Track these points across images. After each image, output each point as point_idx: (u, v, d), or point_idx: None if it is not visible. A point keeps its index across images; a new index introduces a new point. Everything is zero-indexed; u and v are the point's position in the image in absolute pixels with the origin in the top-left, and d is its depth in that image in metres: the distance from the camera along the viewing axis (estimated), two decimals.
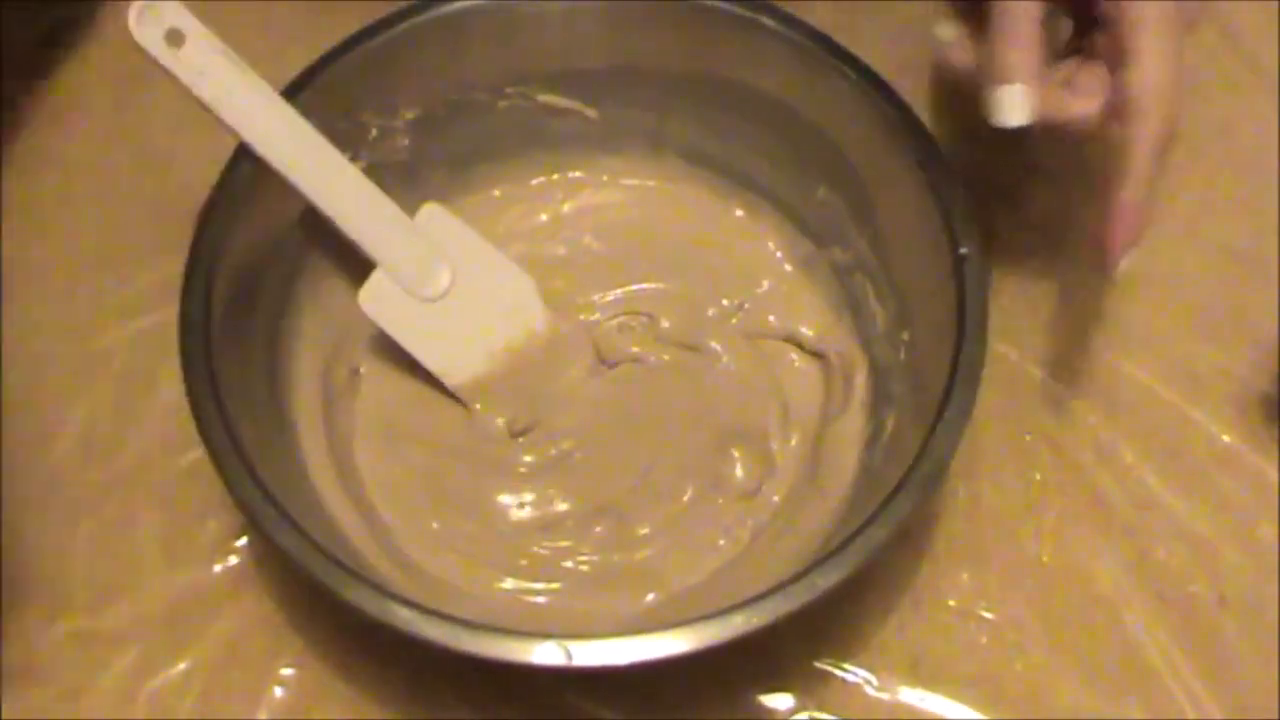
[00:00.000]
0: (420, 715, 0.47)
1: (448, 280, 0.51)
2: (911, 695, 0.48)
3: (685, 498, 0.50)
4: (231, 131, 0.47)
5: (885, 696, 0.48)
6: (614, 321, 0.55)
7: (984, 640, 0.49)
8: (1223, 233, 0.58)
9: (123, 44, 0.61)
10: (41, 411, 0.53)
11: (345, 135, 0.50)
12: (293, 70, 0.50)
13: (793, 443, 0.51)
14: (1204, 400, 0.53)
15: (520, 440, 0.52)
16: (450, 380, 0.52)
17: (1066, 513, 0.51)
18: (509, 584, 0.48)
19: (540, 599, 0.48)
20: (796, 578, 0.41)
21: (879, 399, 0.51)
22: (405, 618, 0.41)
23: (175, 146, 0.60)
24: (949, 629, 0.49)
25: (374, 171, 0.50)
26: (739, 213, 0.56)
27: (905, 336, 0.50)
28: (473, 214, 0.54)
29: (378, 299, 0.51)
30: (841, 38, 0.51)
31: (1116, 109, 0.45)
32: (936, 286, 0.47)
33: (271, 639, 0.49)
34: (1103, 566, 0.50)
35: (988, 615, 0.49)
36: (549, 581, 0.49)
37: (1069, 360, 0.54)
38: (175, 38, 0.45)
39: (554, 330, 0.53)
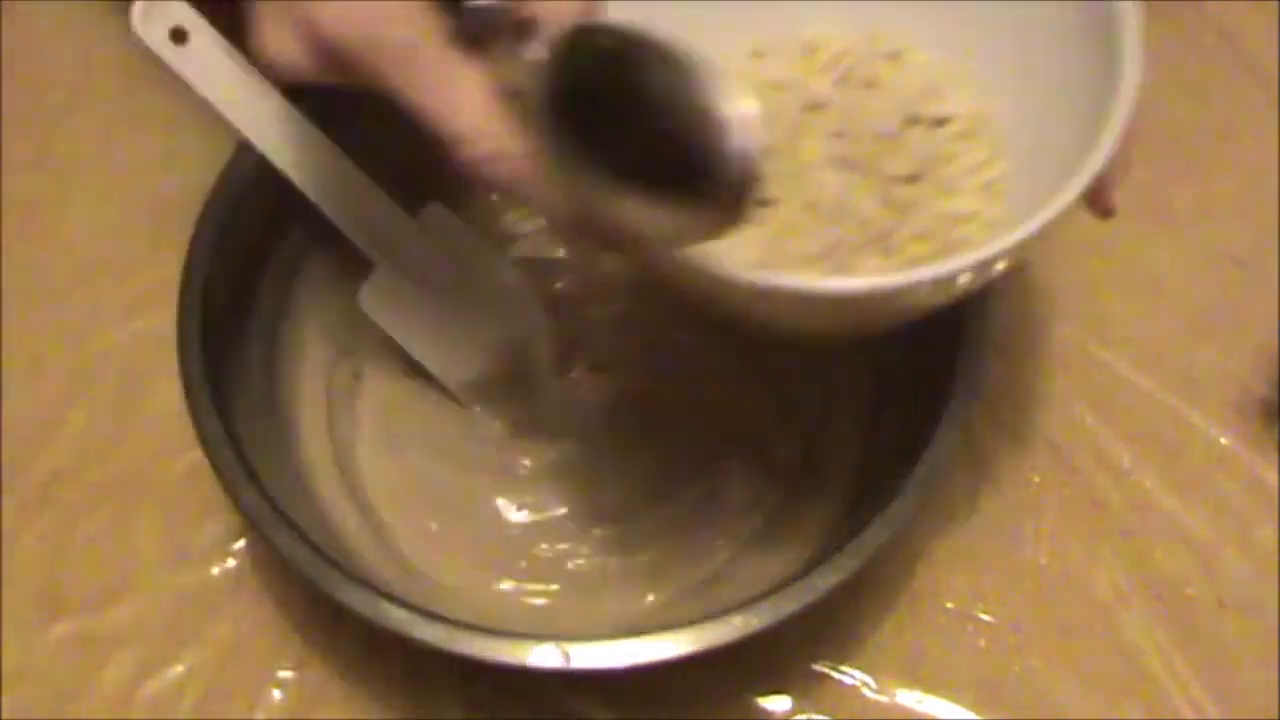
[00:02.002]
0: (418, 717, 0.47)
1: (448, 280, 0.52)
2: (909, 697, 0.48)
3: (684, 499, 0.50)
4: (234, 129, 0.47)
5: (883, 699, 0.48)
6: (613, 325, 0.55)
7: (982, 643, 0.49)
8: (1222, 236, 0.58)
9: (122, 46, 0.62)
10: (40, 413, 0.54)
11: (344, 137, 0.50)
12: None
13: (792, 445, 0.51)
14: (1203, 403, 0.53)
15: (519, 442, 0.52)
16: (450, 381, 0.52)
17: (1065, 515, 0.51)
18: (508, 585, 0.48)
19: (539, 600, 0.48)
20: (795, 580, 0.42)
21: (878, 401, 0.51)
22: (402, 620, 0.41)
23: (174, 148, 0.60)
24: (947, 631, 0.49)
25: (372, 174, 0.50)
26: None
27: (903, 340, 0.50)
28: (471, 217, 0.54)
29: (378, 299, 0.51)
30: None
31: None
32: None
33: (270, 641, 0.49)
34: (1101, 569, 0.50)
35: (986, 618, 0.49)
36: (548, 583, 0.49)
37: (1067, 363, 0.54)
38: (179, 35, 0.45)
39: (554, 332, 0.53)
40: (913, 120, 0.44)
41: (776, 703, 0.48)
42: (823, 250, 0.41)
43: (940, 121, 0.44)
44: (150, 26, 0.45)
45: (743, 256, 0.41)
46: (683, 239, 0.34)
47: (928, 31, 0.45)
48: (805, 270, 0.41)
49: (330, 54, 0.37)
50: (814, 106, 0.44)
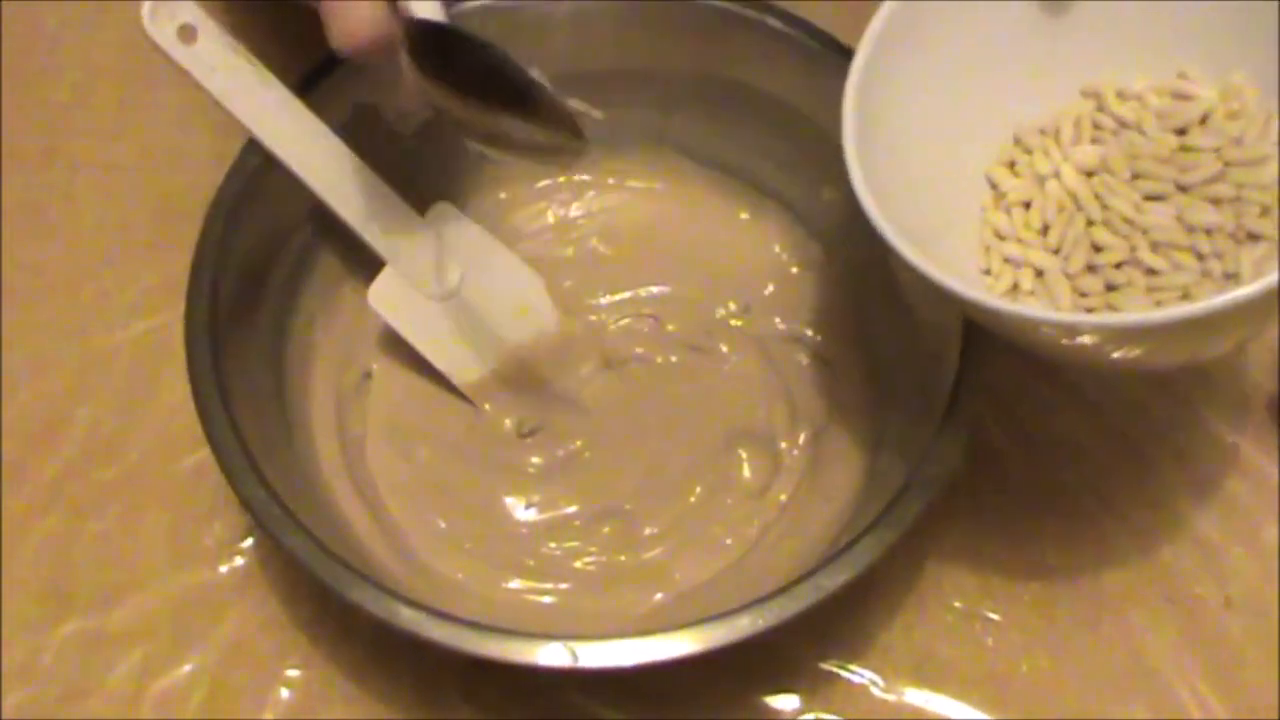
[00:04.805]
0: (426, 716, 0.47)
1: (457, 279, 0.52)
2: (917, 696, 0.48)
3: (692, 498, 0.50)
4: (242, 126, 0.47)
5: (891, 698, 0.48)
6: (620, 323, 0.55)
7: (989, 642, 0.49)
8: None
9: (128, 42, 0.62)
10: (46, 411, 0.53)
11: (353, 135, 0.50)
12: (302, 70, 0.50)
13: (799, 443, 0.51)
14: (1210, 402, 0.53)
15: (528, 441, 0.52)
16: (459, 379, 0.52)
17: (1072, 514, 0.51)
18: (516, 584, 0.48)
19: (547, 599, 0.48)
20: (802, 579, 0.41)
21: (885, 400, 0.51)
22: (411, 618, 0.41)
23: (181, 145, 0.60)
24: (954, 630, 0.49)
25: (380, 173, 0.50)
26: (744, 215, 0.57)
27: (910, 337, 0.50)
28: (479, 216, 0.54)
29: (387, 296, 0.51)
30: (847, 38, 0.51)
31: None
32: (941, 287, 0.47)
33: (277, 640, 0.49)
34: (1109, 568, 0.50)
35: (993, 616, 0.49)
36: (556, 581, 0.49)
37: None
38: (187, 34, 0.45)
39: (563, 330, 0.53)
40: (1181, 131, 0.45)
41: (784, 701, 0.48)
42: (1202, 270, 0.42)
43: (1204, 118, 0.45)
44: (158, 24, 0.45)
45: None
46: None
47: (1129, 63, 0.46)
48: (1199, 295, 0.42)
49: None
50: (1090, 172, 0.45)
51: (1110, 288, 0.43)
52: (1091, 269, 0.44)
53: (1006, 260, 0.45)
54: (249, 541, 0.50)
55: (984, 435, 0.52)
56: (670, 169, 0.57)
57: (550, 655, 0.41)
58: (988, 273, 0.45)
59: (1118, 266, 0.43)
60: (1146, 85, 0.46)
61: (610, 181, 0.57)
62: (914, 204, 0.43)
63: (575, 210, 0.57)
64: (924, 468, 0.43)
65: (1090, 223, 0.44)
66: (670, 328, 0.54)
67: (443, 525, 0.50)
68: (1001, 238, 0.46)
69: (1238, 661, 0.48)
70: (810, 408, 0.52)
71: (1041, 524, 0.51)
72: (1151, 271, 0.43)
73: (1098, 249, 0.44)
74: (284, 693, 0.48)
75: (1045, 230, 0.45)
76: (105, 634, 0.49)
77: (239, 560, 0.50)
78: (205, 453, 0.44)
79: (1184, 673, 0.48)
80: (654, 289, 0.55)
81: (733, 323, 0.54)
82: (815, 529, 0.48)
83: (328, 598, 0.47)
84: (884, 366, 0.51)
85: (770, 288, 0.55)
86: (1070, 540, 0.51)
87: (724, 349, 0.53)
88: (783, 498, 0.50)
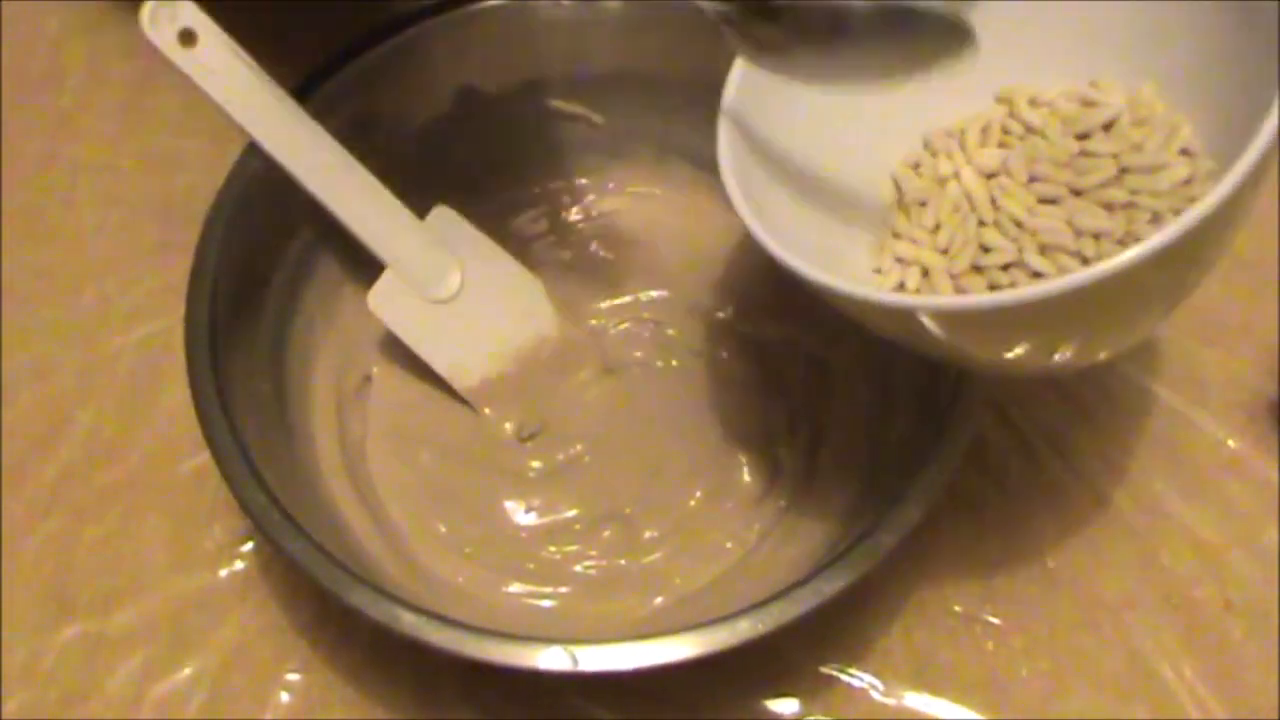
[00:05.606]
0: (425, 719, 0.47)
1: (457, 282, 0.52)
2: (917, 700, 0.48)
3: (692, 502, 0.50)
4: (243, 130, 0.47)
5: (891, 701, 0.48)
6: (620, 327, 0.55)
7: (989, 645, 0.49)
8: None
9: (129, 47, 0.62)
10: (47, 415, 0.54)
11: (352, 139, 0.50)
12: (301, 74, 0.50)
13: (799, 448, 0.51)
14: (1209, 405, 0.53)
15: (528, 445, 0.52)
16: (459, 383, 0.52)
17: (1072, 517, 0.51)
18: (516, 588, 0.48)
19: (547, 603, 0.48)
20: (802, 583, 0.41)
21: (884, 405, 0.51)
22: (410, 622, 0.41)
23: (181, 149, 0.60)
24: (954, 634, 0.49)
25: (380, 177, 0.51)
26: None
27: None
28: (479, 219, 0.54)
29: (387, 300, 0.51)
30: None
31: None
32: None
33: (277, 643, 0.49)
34: (1108, 571, 0.50)
35: (993, 620, 0.49)
36: (556, 585, 0.49)
37: None
38: (188, 37, 0.46)
39: (563, 334, 0.53)
40: (1084, 136, 0.44)
41: (784, 705, 0.48)
42: None
43: (1108, 125, 0.44)
44: (159, 28, 0.45)
45: None
46: None
47: (1045, 70, 0.46)
48: None
49: None
50: (991, 174, 0.45)
51: (993, 289, 0.43)
52: (978, 269, 0.43)
53: (897, 259, 0.45)
54: (249, 545, 0.51)
55: (982, 439, 0.52)
56: (670, 174, 0.57)
57: (550, 659, 0.41)
58: (879, 271, 0.45)
59: (1005, 269, 0.43)
60: (1059, 92, 0.46)
61: (610, 186, 0.57)
62: (816, 203, 0.43)
63: (575, 214, 0.57)
64: (924, 473, 0.43)
65: (981, 224, 0.44)
66: (670, 332, 0.54)
67: (443, 529, 0.50)
68: (896, 236, 0.46)
69: (1238, 664, 0.48)
70: (810, 412, 0.52)
71: (1041, 528, 0.51)
72: (1037, 274, 0.42)
73: (986, 250, 0.43)
74: (283, 696, 0.48)
75: (937, 230, 0.45)
76: (105, 637, 0.49)
77: (239, 564, 0.50)
78: (205, 456, 0.44)
79: (1184, 675, 0.48)
80: (654, 293, 0.55)
81: (731, 327, 0.54)
82: (815, 533, 0.48)
83: (327, 601, 0.47)
84: (884, 371, 0.51)
85: (770, 292, 0.55)
86: (1070, 543, 0.51)
87: (724, 354, 0.54)
88: (782, 502, 0.50)
